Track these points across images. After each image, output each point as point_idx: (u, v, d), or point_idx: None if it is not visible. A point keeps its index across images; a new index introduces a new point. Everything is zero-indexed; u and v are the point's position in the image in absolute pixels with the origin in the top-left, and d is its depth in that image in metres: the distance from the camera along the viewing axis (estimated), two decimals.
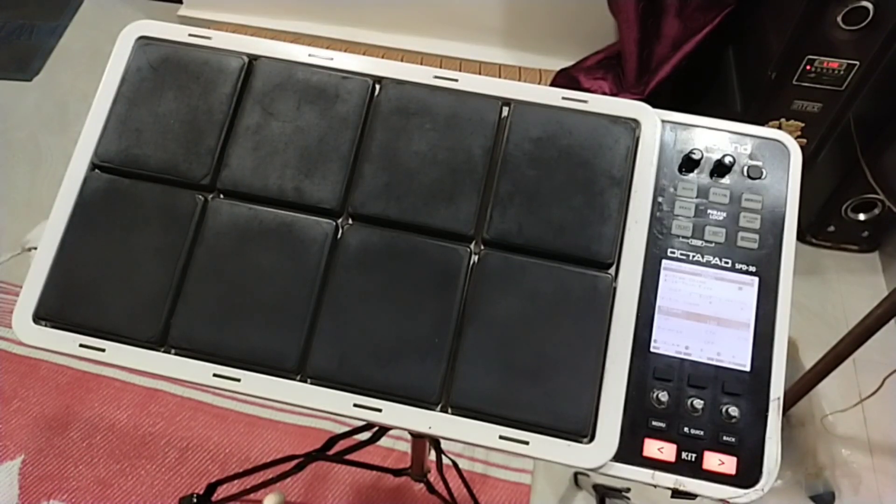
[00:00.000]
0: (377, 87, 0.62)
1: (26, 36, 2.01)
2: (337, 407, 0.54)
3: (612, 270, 0.56)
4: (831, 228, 1.55)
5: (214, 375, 0.55)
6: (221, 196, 0.60)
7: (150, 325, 0.56)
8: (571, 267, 0.56)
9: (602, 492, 1.13)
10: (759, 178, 0.59)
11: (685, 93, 1.62)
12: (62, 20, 2.05)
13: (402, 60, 0.64)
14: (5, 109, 1.85)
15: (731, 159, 0.58)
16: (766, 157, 0.59)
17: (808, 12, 1.14)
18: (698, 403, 0.53)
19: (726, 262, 0.57)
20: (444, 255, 0.57)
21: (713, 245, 0.57)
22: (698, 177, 0.59)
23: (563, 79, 1.77)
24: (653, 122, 0.59)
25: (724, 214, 0.58)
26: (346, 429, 1.04)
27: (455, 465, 1.09)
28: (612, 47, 1.73)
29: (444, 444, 1.02)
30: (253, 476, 1.13)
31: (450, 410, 0.54)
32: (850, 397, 1.34)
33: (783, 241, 0.57)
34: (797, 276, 0.56)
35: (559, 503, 1.27)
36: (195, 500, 1.15)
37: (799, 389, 1.18)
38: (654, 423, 0.53)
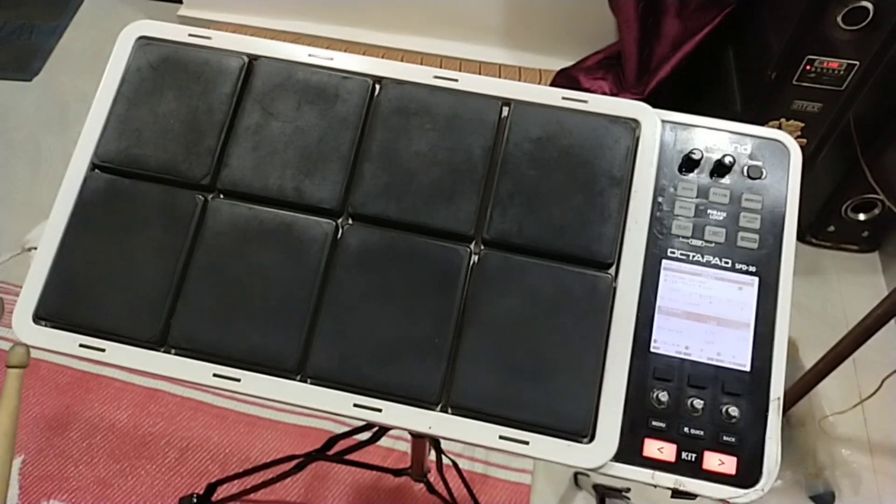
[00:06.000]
0: (377, 87, 0.62)
1: (26, 36, 2.01)
2: (337, 407, 0.54)
3: (612, 270, 0.56)
4: (831, 228, 1.54)
5: (214, 375, 0.55)
6: (221, 196, 0.60)
7: (150, 325, 0.56)
8: (571, 267, 0.56)
9: (602, 492, 1.13)
10: (759, 178, 0.59)
11: (685, 93, 1.62)
12: (62, 20, 2.04)
13: (402, 60, 0.64)
14: (5, 109, 1.85)
15: (731, 159, 0.58)
16: (766, 157, 0.59)
17: (808, 12, 1.14)
18: (698, 403, 0.53)
19: (726, 262, 0.57)
20: (444, 255, 0.57)
21: (713, 245, 0.57)
22: (698, 177, 0.59)
23: (563, 79, 1.77)
24: (653, 122, 0.59)
25: (724, 214, 0.58)
26: (346, 429, 1.04)
27: (455, 465, 1.09)
28: (612, 47, 1.73)
29: (444, 444, 1.02)
30: (253, 476, 1.13)
31: (450, 410, 0.54)
32: (850, 397, 1.34)
33: (783, 241, 0.57)
34: (797, 276, 0.56)
35: (559, 503, 1.27)
36: (195, 500, 1.15)
37: (799, 389, 1.18)
38: (654, 423, 0.53)
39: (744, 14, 1.42)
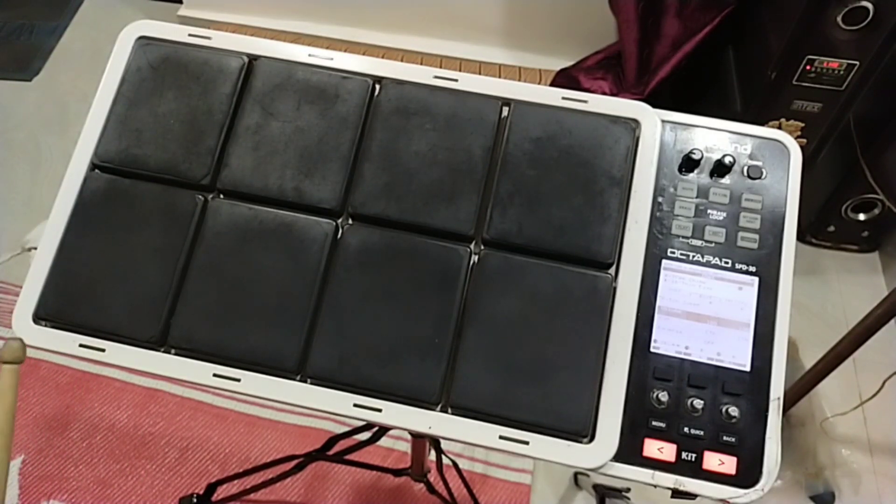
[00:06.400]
0: (377, 87, 0.62)
1: (26, 36, 2.01)
2: (337, 407, 0.54)
3: (612, 270, 0.56)
4: (831, 228, 1.54)
5: (214, 375, 0.55)
6: (221, 196, 0.60)
7: (150, 325, 0.56)
8: (571, 267, 0.56)
9: (602, 492, 1.13)
10: (759, 178, 0.59)
11: (685, 93, 1.62)
12: (62, 20, 2.04)
13: (402, 60, 0.64)
14: (5, 109, 1.84)
15: (731, 159, 0.58)
16: (766, 157, 0.59)
17: (808, 12, 1.14)
18: (698, 403, 0.53)
19: (726, 262, 0.57)
20: (444, 255, 0.57)
21: (713, 245, 0.57)
22: (698, 177, 0.59)
23: (563, 79, 1.77)
24: (653, 122, 0.59)
25: (724, 214, 0.58)
26: (346, 429, 1.04)
27: (455, 465, 1.09)
28: (612, 47, 1.73)
29: (444, 444, 1.02)
30: (253, 476, 1.13)
31: (450, 410, 0.54)
32: (851, 397, 1.34)
33: (783, 241, 0.57)
34: (797, 276, 0.56)
35: (559, 503, 1.27)
36: (195, 500, 1.15)
37: (799, 389, 1.18)
38: (654, 423, 0.53)
39: (744, 14, 1.42)
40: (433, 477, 1.07)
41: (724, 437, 0.53)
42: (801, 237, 1.59)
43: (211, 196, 0.60)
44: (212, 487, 1.15)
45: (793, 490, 1.28)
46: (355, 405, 0.54)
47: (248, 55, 0.63)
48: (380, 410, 0.54)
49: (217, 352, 0.56)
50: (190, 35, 0.64)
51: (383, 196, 0.58)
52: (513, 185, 0.58)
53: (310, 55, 0.63)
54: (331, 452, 1.05)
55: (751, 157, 0.59)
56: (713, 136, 0.60)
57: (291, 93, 0.61)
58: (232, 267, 0.57)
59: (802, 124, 1.29)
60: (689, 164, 0.59)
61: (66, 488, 1.25)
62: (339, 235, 0.58)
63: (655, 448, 0.53)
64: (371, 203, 0.58)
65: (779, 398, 0.53)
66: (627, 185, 0.58)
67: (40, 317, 0.57)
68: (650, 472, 0.52)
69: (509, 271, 0.56)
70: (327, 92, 0.61)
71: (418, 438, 0.93)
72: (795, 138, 0.85)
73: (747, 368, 0.54)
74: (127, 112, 0.61)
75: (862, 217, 1.50)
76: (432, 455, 1.04)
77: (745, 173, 0.59)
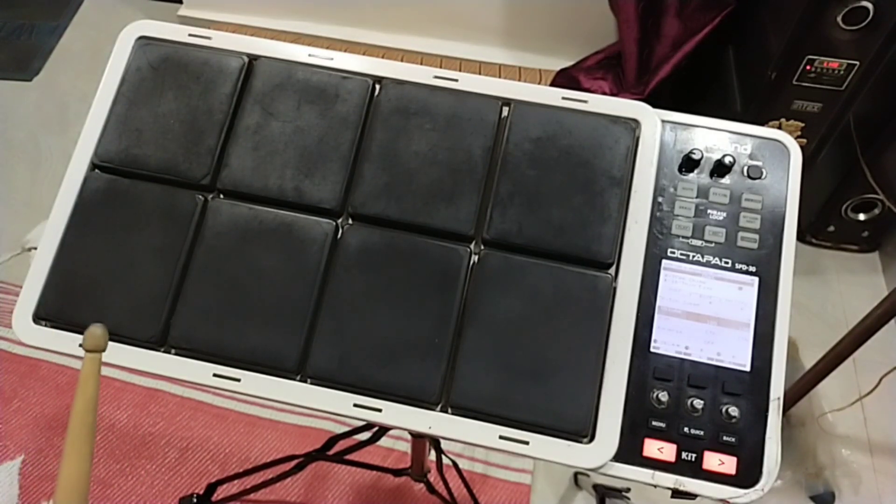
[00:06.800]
0: (377, 87, 0.62)
1: (26, 36, 2.01)
2: (337, 407, 0.54)
3: (612, 270, 0.56)
4: (831, 228, 1.54)
5: (214, 375, 0.55)
6: (221, 196, 0.60)
7: (150, 325, 0.56)
8: (571, 267, 0.56)
9: (602, 492, 1.13)
10: (759, 178, 0.59)
11: (685, 93, 1.62)
12: (62, 20, 2.04)
13: (402, 60, 0.64)
14: (5, 109, 1.84)
15: (731, 159, 0.58)
16: (766, 157, 0.59)
17: (808, 12, 1.14)
18: (698, 403, 0.53)
19: (726, 262, 0.57)
20: (444, 255, 0.57)
21: (713, 245, 0.57)
22: (698, 177, 0.59)
23: (563, 79, 1.77)
24: (653, 122, 0.59)
25: (724, 214, 0.58)
26: (346, 429, 1.04)
27: (455, 465, 1.09)
28: (612, 47, 1.73)
29: (444, 444, 1.02)
30: (253, 476, 1.13)
31: (450, 410, 0.54)
32: (850, 397, 1.34)
33: (783, 241, 0.57)
34: (797, 276, 0.56)
35: (559, 503, 1.27)
36: (195, 500, 1.15)
37: (799, 389, 1.18)
38: (654, 423, 0.53)
39: (744, 14, 1.42)
40: (433, 477, 1.07)
41: (724, 437, 0.53)
42: (801, 237, 1.59)
43: (211, 196, 0.60)
44: (212, 487, 1.15)
45: (793, 490, 1.28)
46: (355, 405, 0.54)
47: (248, 55, 0.63)
48: (380, 410, 0.54)
49: (217, 352, 0.56)
50: (190, 35, 0.64)
51: (383, 196, 0.58)
52: (513, 185, 0.58)
53: (310, 55, 0.63)
54: (331, 452, 1.05)
55: (751, 157, 0.59)
56: (713, 136, 0.60)
57: (291, 93, 0.61)
58: (232, 267, 0.57)
59: (802, 124, 1.29)
60: (689, 164, 0.59)
61: None
62: (339, 235, 0.58)
63: (655, 448, 0.53)
64: (371, 203, 0.58)
65: (779, 398, 0.53)
66: (627, 185, 0.58)
67: (40, 317, 0.57)
68: (650, 472, 0.52)
69: (509, 271, 0.56)
70: (327, 92, 0.61)
71: (418, 438, 0.93)
72: (795, 138, 0.85)
73: (747, 368, 0.54)
74: (127, 112, 0.61)
75: (862, 217, 1.50)
76: (432, 455, 1.04)
77: (745, 173, 0.59)
